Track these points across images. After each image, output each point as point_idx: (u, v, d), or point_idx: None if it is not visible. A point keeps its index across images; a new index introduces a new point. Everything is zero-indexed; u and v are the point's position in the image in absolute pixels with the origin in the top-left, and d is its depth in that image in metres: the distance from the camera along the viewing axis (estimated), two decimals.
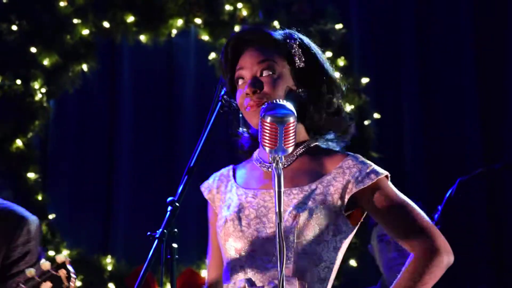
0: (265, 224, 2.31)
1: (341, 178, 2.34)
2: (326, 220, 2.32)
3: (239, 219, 2.34)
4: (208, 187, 2.49)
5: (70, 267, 2.29)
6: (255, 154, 2.47)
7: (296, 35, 2.42)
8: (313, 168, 2.37)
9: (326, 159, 2.37)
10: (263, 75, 2.36)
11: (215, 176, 2.51)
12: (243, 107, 2.36)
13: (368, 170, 2.32)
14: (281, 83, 2.36)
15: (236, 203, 2.37)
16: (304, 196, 2.31)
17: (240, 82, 2.37)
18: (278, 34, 2.41)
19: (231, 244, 2.34)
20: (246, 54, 2.39)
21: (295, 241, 2.29)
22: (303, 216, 2.31)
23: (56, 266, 2.28)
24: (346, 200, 2.33)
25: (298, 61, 2.38)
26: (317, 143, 2.41)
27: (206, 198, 2.49)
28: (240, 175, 2.46)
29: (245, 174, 2.45)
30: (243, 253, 2.32)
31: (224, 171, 2.51)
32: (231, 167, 2.51)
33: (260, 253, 2.30)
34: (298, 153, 2.39)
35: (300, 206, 2.30)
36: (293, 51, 2.38)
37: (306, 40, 2.43)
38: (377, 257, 4.12)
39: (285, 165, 2.36)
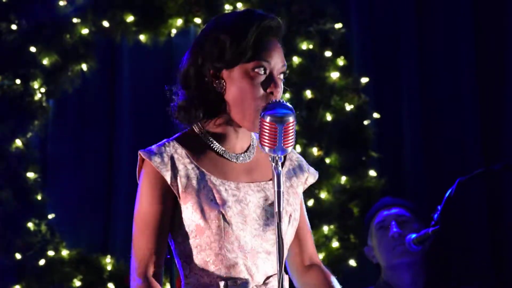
0: (266, 221, 2.27)
1: (296, 169, 2.39)
2: (298, 215, 2.37)
3: (244, 215, 2.26)
4: (166, 167, 2.29)
5: None
6: (204, 132, 2.36)
7: None
8: (266, 159, 2.28)
9: None
10: (280, 77, 2.30)
11: (165, 153, 2.33)
12: (256, 103, 2.25)
13: (311, 168, 2.42)
14: None
15: (226, 197, 2.26)
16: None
17: (257, 70, 2.25)
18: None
19: (232, 242, 2.24)
20: (274, 48, 2.31)
21: (287, 242, 2.32)
22: (293, 214, 2.34)
23: None
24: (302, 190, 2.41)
25: None
26: None
27: (165, 177, 2.27)
28: (200, 158, 2.32)
29: (208, 159, 2.32)
30: (248, 250, 2.26)
31: (171, 149, 2.34)
32: (173, 143, 2.36)
33: (262, 249, 2.28)
34: (255, 144, 2.37)
35: (286, 203, 2.31)
36: None
37: None
38: (376, 249, 4.11)
39: (250, 157, 2.35)
